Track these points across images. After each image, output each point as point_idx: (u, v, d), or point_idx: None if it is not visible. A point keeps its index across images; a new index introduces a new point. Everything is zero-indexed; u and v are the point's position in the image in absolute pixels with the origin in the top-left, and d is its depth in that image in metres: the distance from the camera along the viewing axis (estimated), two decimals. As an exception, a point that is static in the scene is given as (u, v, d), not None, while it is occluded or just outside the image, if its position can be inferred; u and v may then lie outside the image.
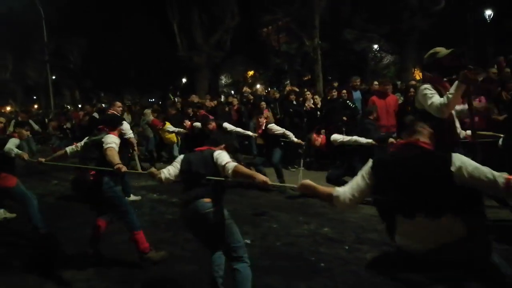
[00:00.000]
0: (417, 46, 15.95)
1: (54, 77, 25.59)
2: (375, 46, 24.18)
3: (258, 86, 25.29)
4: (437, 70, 3.54)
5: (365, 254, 3.90)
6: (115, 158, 3.66)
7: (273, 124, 6.91)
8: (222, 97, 16.04)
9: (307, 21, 13.84)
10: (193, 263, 3.63)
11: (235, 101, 10.91)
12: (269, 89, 21.15)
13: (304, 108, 8.69)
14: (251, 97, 10.52)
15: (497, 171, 1.93)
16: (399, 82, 10.62)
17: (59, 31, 23.43)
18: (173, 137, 8.98)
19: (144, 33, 22.46)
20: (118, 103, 6.74)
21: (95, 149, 3.90)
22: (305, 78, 22.62)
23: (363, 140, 5.39)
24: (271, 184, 2.88)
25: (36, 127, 11.78)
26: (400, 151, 2.29)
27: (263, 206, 5.73)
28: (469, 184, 1.94)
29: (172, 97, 16.71)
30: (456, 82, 3.18)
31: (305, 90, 10.33)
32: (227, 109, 10.53)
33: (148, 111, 10.02)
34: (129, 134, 6.08)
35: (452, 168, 1.96)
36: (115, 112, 6.37)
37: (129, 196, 6.22)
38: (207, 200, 2.96)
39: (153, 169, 3.39)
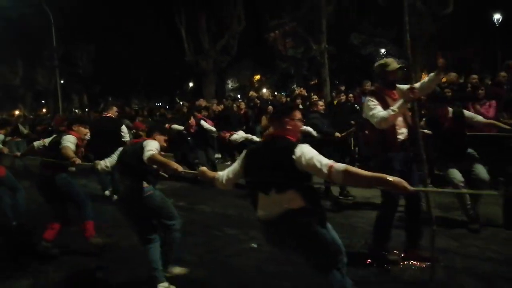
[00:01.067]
0: (425, 50, 15.85)
1: (62, 82, 25.85)
2: (382, 50, 24.12)
3: (264, 90, 25.31)
4: (383, 81, 3.78)
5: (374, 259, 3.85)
6: (70, 153, 4.10)
7: None
8: (228, 100, 16.02)
9: (314, 25, 13.83)
10: (201, 267, 3.61)
11: (242, 105, 10.92)
12: (276, 93, 21.14)
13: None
14: (258, 101, 10.51)
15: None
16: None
17: (68, 37, 23.71)
18: None
19: (152, 39, 22.65)
20: (115, 107, 6.90)
21: (55, 147, 4.31)
22: (312, 82, 22.61)
23: (314, 132, 5.75)
24: (182, 171, 3.16)
25: (25, 131, 11.93)
26: (265, 141, 2.88)
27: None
28: (306, 169, 2.46)
29: (178, 101, 16.80)
30: (401, 100, 3.45)
31: (312, 94, 10.32)
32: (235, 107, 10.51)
33: (140, 119, 11.08)
34: (126, 137, 6.55)
35: (294, 156, 2.47)
36: (112, 116, 6.69)
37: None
38: (146, 185, 3.41)
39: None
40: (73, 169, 4.51)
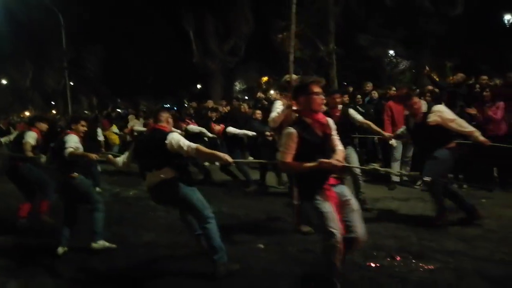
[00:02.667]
0: (434, 51, 15.73)
1: (72, 84, 26.08)
2: (391, 52, 23.96)
3: (272, 91, 25.29)
4: (285, 91, 4.65)
5: (382, 261, 3.83)
6: (27, 148, 5.19)
7: None
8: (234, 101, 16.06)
9: (322, 27, 13.81)
10: (209, 266, 3.61)
11: (245, 107, 10.94)
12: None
13: None
14: (265, 103, 10.51)
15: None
16: (415, 89, 10.48)
17: (78, 39, 23.93)
18: (116, 139, 10.48)
19: (160, 41, 22.76)
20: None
21: (17, 142, 5.44)
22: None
23: (249, 133, 7.24)
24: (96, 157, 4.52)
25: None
26: (147, 132, 4.16)
27: (277, 211, 5.69)
28: (175, 150, 3.56)
29: (186, 103, 16.89)
30: (284, 106, 4.33)
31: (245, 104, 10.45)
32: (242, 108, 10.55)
33: (131, 117, 11.64)
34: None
35: (166, 142, 3.56)
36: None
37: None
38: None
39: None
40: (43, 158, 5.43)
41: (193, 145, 3.52)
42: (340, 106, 5.58)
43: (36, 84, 30.19)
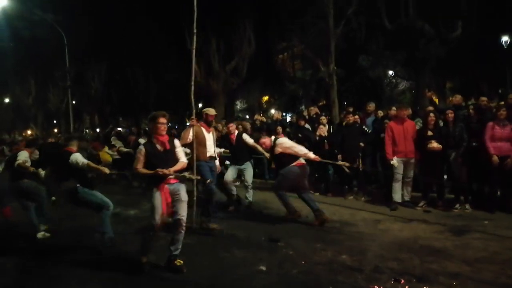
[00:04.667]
0: (434, 72, 15.87)
1: (74, 102, 26.30)
2: (390, 72, 24.23)
3: (273, 111, 25.45)
4: (203, 120, 6.17)
5: (385, 283, 3.78)
6: (22, 165, 5.81)
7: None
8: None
9: (323, 47, 13.99)
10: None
11: (248, 126, 11.01)
12: (284, 114, 21.22)
13: (317, 134, 8.63)
14: (264, 126, 10.58)
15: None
16: (418, 108, 10.56)
17: (81, 58, 24.27)
18: (109, 158, 10.90)
19: (163, 61, 23.05)
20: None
21: (11, 161, 6.01)
22: (320, 104, 22.70)
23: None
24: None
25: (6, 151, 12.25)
26: (61, 153, 5.39)
27: (278, 232, 5.64)
28: (77, 166, 5.04)
29: (188, 121, 16.97)
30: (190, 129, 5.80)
31: (323, 114, 10.38)
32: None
33: (113, 138, 12.46)
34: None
35: (69, 161, 5.00)
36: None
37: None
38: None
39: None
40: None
41: (85, 161, 5.05)
42: (236, 132, 7.21)
43: (39, 102, 30.44)
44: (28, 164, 5.86)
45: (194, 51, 5.89)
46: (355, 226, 5.89)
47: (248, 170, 7.18)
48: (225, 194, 7.36)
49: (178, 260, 4.25)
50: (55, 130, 31.41)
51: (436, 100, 21.21)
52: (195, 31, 5.81)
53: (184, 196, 4.26)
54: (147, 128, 17.14)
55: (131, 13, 22.34)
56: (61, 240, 5.67)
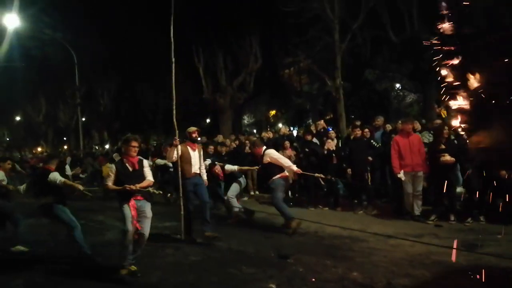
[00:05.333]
0: (440, 84, 15.77)
1: (84, 119, 26.63)
2: (397, 85, 24.19)
3: (280, 125, 25.48)
4: (187, 137, 6.50)
5: (397, 301, 3.71)
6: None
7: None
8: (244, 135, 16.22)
9: (329, 62, 14.06)
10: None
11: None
12: (291, 128, 21.23)
13: (325, 149, 8.61)
14: (268, 140, 10.61)
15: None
16: (424, 121, 10.51)
17: (90, 75, 24.65)
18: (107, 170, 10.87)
19: (171, 77, 23.27)
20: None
21: None
22: (327, 117, 22.71)
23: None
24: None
25: (18, 168, 12.49)
26: (40, 171, 5.97)
27: (287, 247, 5.59)
28: (55, 184, 5.31)
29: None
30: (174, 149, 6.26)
31: (329, 128, 10.37)
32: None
33: (115, 155, 12.23)
34: None
35: (48, 179, 5.31)
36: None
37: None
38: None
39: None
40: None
41: (62, 179, 5.36)
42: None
43: (49, 119, 30.88)
44: (5, 182, 6.11)
45: (173, 78, 6.64)
46: (366, 241, 5.81)
47: (232, 185, 7.73)
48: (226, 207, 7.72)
49: (133, 266, 4.71)
50: (65, 147, 31.78)
51: (444, 113, 21.07)
52: (173, 60, 6.61)
53: (149, 213, 4.77)
54: (155, 144, 17.32)
55: (140, 30, 22.72)
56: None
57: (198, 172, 6.38)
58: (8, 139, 35.06)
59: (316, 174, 7.43)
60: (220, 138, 12.23)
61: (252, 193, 10.69)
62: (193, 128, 6.56)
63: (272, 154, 6.77)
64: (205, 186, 6.45)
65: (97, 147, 24.88)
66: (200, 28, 18.23)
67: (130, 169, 4.76)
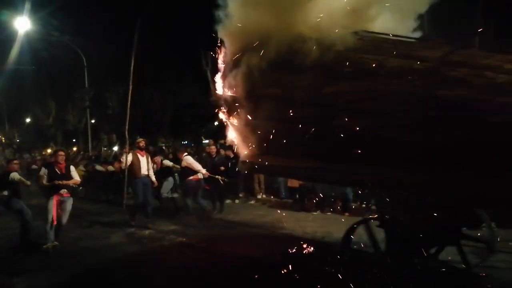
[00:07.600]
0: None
1: (93, 121, 26.79)
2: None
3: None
4: (136, 146, 7.99)
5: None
6: None
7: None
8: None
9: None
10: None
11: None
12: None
13: None
14: None
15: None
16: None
17: (99, 78, 24.81)
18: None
19: (178, 81, 23.38)
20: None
21: None
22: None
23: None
24: None
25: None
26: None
27: (293, 252, 5.48)
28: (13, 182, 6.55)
29: (203, 139, 17.06)
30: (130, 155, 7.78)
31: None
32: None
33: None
34: None
35: (9, 178, 6.38)
36: None
37: None
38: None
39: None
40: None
41: (19, 177, 6.40)
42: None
43: (58, 122, 31.15)
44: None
45: (130, 96, 8.31)
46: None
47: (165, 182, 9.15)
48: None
49: (55, 242, 6.04)
50: (74, 149, 32.00)
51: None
52: (130, 86, 8.18)
53: (69, 207, 6.30)
54: (163, 147, 17.32)
55: (148, 34, 22.85)
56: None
57: (146, 173, 7.72)
58: (18, 140, 35.46)
59: (217, 176, 8.35)
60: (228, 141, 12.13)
61: (259, 196, 10.62)
62: (140, 139, 8.31)
63: (187, 160, 8.19)
64: (151, 187, 7.82)
65: (104, 149, 25.01)
66: (208, 30, 18.33)
67: (59, 172, 6.29)
